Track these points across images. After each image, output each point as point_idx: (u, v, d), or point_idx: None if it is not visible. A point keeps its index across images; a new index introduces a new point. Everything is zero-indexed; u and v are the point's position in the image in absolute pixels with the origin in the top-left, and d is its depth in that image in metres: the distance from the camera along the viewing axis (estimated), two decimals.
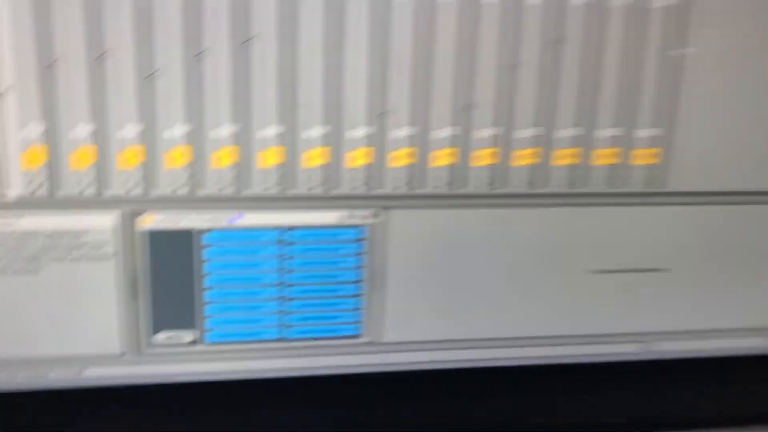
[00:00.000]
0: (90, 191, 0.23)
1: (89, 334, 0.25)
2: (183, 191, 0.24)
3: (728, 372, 0.28)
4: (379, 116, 0.24)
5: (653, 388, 0.28)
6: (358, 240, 0.25)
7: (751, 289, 0.28)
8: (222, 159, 0.24)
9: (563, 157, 0.26)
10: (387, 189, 0.25)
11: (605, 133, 0.26)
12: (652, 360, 0.28)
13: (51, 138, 0.23)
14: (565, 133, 0.25)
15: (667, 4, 0.25)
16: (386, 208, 0.25)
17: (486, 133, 0.25)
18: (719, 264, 0.28)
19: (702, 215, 0.27)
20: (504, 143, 0.25)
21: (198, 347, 0.25)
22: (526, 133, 0.25)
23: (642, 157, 0.26)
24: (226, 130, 0.23)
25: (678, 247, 0.27)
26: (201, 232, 0.24)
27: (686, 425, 0.28)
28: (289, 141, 0.24)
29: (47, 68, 0.22)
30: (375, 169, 0.25)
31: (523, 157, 0.25)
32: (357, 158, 0.24)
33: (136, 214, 0.24)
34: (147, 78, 0.22)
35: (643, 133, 0.26)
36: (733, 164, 0.27)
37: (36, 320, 0.24)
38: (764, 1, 0.25)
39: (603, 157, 0.26)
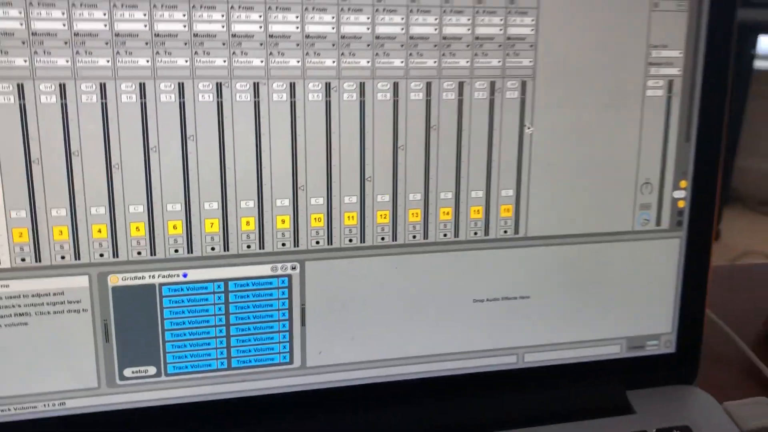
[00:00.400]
0: (67, 258, 0.30)
1: (70, 372, 0.31)
2: (144, 254, 0.30)
3: (581, 374, 0.36)
4: (299, 189, 0.31)
5: (527, 389, 0.36)
6: (283, 287, 0.32)
7: (594, 309, 0.36)
8: (174, 228, 0.30)
9: (444, 213, 0.33)
10: (304, 246, 0.32)
11: (475, 194, 0.33)
12: (525, 368, 0.36)
13: (34, 219, 0.29)
14: (445, 195, 0.33)
15: (513, 96, 0.32)
16: (304, 260, 0.32)
17: (382, 198, 0.32)
18: (567, 290, 0.35)
19: (551, 253, 0.35)
20: (396, 205, 0.32)
21: (161, 378, 0.31)
22: (414, 196, 0.33)
23: (503, 211, 0.34)
24: (176, 206, 0.30)
25: (535, 279, 0.35)
26: (160, 285, 0.31)
27: (552, 419, 0.35)
28: (227, 211, 0.31)
29: (29, 165, 0.28)
30: (294, 231, 0.32)
31: (412, 215, 0.33)
32: (280, 222, 0.31)
33: (106, 274, 0.30)
34: (110, 170, 0.29)
35: (503, 192, 0.34)
36: (572, 213, 0.34)
37: (26, 363, 0.30)
38: (587, 89, 0.33)
39: (474, 212, 0.34)
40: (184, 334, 0.31)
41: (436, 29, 0.31)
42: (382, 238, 0.33)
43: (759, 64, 2.34)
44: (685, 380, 0.37)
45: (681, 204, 0.35)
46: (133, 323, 0.31)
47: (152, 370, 0.31)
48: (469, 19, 0.31)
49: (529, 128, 0.33)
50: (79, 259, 0.30)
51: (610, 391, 0.36)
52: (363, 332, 0.33)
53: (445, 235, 0.33)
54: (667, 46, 0.34)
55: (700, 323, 0.37)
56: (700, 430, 0.34)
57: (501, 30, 0.32)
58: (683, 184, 0.35)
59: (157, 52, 0.28)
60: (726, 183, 2.25)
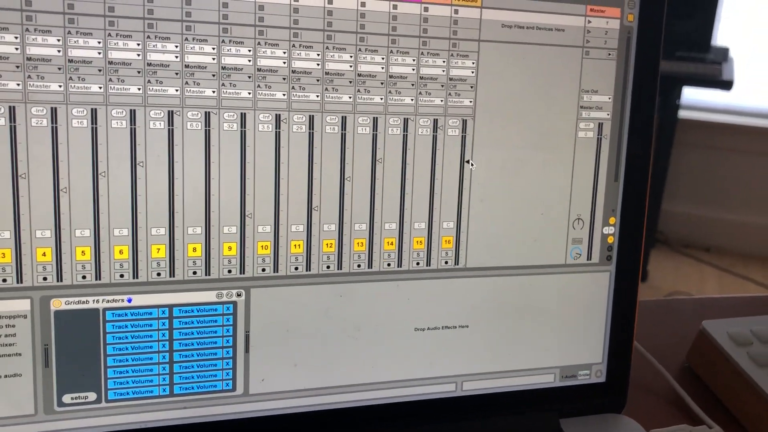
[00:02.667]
0: (9, 281, 0.29)
1: (5, 399, 0.30)
2: (89, 279, 0.30)
3: (517, 402, 0.37)
4: (247, 217, 0.32)
5: (465, 417, 0.37)
6: (228, 314, 0.32)
7: (529, 339, 0.37)
8: (120, 252, 0.30)
9: (388, 244, 0.34)
10: (250, 273, 0.32)
11: (418, 225, 0.35)
12: (463, 396, 0.37)
13: None
14: (389, 225, 0.34)
15: (454, 134, 0.34)
16: (250, 287, 0.32)
17: (328, 227, 0.33)
18: (504, 321, 0.37)
19: (489, 284, 0.36)
20: (342, 235, 0.33)
21: (101, 404, 0.31)
22: (360, 226, 0.34)
23: (444, 242, 0.35)
24: (123, 231, 0.30)
25: (473, 309, 0.36)
26: (104, 310, 0.30)
27: None
28: (174, 237, 0.31)
29: None
30: (241, 258, 0.32)
31: (357, 245, 0.34)
32: (227, 249, 0.32)
33: (49, 298, 0.30)
34: (58, 194, 0.29)
35: (445, 224, 0.35)
36: (509, 246, 0.36)
37: None
38: (523, 129, 0.35)
39: (417, 243, 0.35)
40: (127, 360, 0.31)
41: (382, 68, 0.33)
42: (328, 267, 0.33)
43: (683, 113, 2.46)
44: (614, 409, 0.39)
45: (610, 239, 0.38)
46: (75, 348, 0.30)
47: (92, 396, 0.31)
48: (414, 60, 0.33)
49: (471, 165, 0.34)
50: (22, 282, 0.29)
51: (544, 419, 0.38)
52: (306, 359, 0.34)
53: (388, 264, 0.34)
54: (598, 92, 0.36)
55: (628, 354, 0.39)
56: None
57: (444, 71, 0.34)
58: (612, 220, 0.37)
59: (110, 79, 0.29)
60: (652, 226, 2.35)
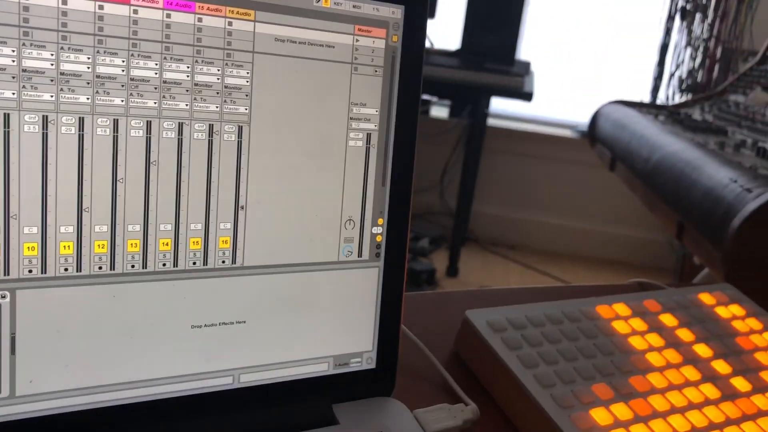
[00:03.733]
0: None
1: None
2: None
3: (293, 391, 0.40)
4: (11, 218, 0.31)
5: (243, 408, 0.39)
6: None
7: (305, 332, 0.40)
8: None
9: (163, 244, 0.35)
10: (15, 274, 0.32)
11: (195, 226, 0.36)
12: (240, 387, 0.39)
13: None
14: (164, 227, 0.35)
15: (231, 139, 0.36)
16: (15, 289, 0.32)
17: (99, 228, 0.34)
18: (280, 315, 0.39)
19: (265, 281, 0.38)
20: (114, 236, 0.34)
21: None
22: (134, 227, 0.34)
23: (221, 243, 0.37)
24: None
25: (250, 305, 0.38)
26: None
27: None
28: None
29: None
30: (5, 259, 0.32)
31: (131, 245, 0.35)
32: None
33: None
34: None
35: (222, 225, 0.37)
36: (285, 245, 0.39)
37: None
38: (297, 137, 0.38)
39: (193, 243, 0.36)
40: None
41: (156, 73, 0.34)
42: (100, 267, 0.34)
43: (491, 122, 2.65)
44: (384, 392, 0.43)
45: (379, 238, 0.41)
46: None
47: None
48: (188, 67, 0.34)
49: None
50: None
51: (318, 406, 0.40)
52: (78, 360, 0.34)
53: (164, 264, 0.35)
54: (366, 105, 0.39)
55: (396, 342, 0.43)
56: None
57: (218, 79, 0.35)
58: (380, 221, 0.41)
59: None
60: (463, 226, 2.51)
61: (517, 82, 2.17)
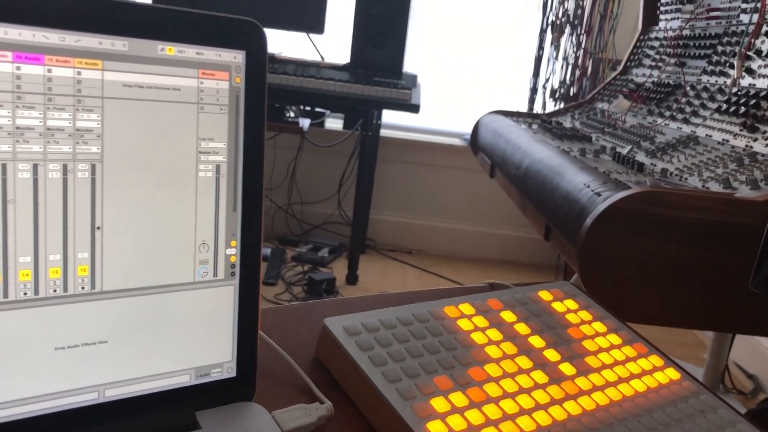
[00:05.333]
0: None
1: None
2: None
3: (156, 402, 0.44)
4: None
5: (108, 421, 0.42)
6: None
7: (166, 347, 0.44)
8: None
9: (23, 275, 0.39)
10: None
11: (54, 257, 0.39)
12: (106, 402, 0.42)
13: None
14: (24, 259, 0.38)
15: (85, 176, 0.40)
16: None
17: None
18: (141, 333, 0.43)
19: (126, 303, 0.42)
20: None
21: None
22: None
23: (80, 270, 0.40)
24: None
25: (112, 326, 0.42)
26: None
27: None
28: None
29: None
30: None
31: None
32: None
33: None
34: None
35: (80, 254, 0.40)
36: (143, 270, 0.42)
37: None
38: (149, 171, 0.42)
39: (52, 273, 0.39)
40: None
41: (9, 120, 0.37)
42: None
43: (384, 132, 2.73)
44: (245, 398, 0.47)
45: (233, 259, 0.46)
46: None
47: None
48: (40, 114, 0.38)
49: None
50: None
51: (182, 414, 0.44)
52: None
53: (25, 294, 0.39)
54: (214, 139, 0.44)
55: (254, 351, 0.47)
56: None
57: (70, 123, 0.39)
58: (233, 243, 0.46)
59: None
60: (362, 234, 2.57)
61: (404, 95, 2.26)
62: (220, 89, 0.44)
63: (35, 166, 0.38)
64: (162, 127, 0.42)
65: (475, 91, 2.80)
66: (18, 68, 0.37)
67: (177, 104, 0.42)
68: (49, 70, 0.38)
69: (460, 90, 2.83)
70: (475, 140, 1.86)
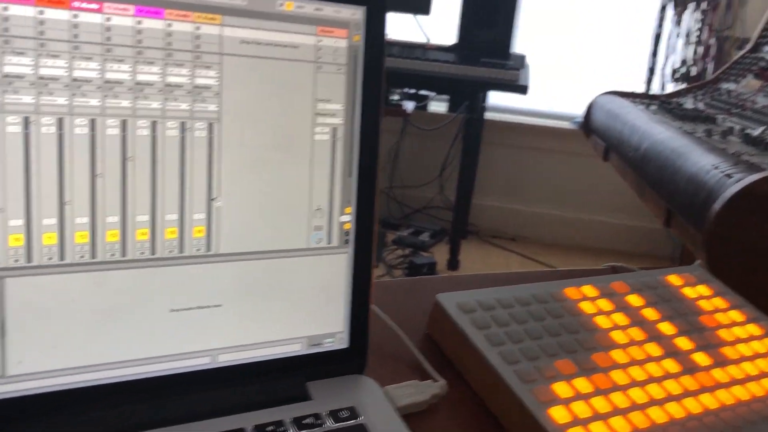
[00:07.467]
0: None
1: None
2: None
3: (268, 369, 0.43)
4: None
5: (220, 386, 0.42)
6: None
7: (279, 314, 0.43)
8: None
9: (141, 234, 0.38)
10: (3, 264, 0.35)
11: (170, 217, 0.39)
12: (218, 367, 0.41)
13: None
14: (141, 218, 0.38)
15: (202, 135, 0.39)
16: (4, 277, 0.35)
17: (80, 220, 0.36)
18: (255, 299, 0.42)
19: (240, 267, 0.41)
20: (95, 227, 0.37)
21: None
22: (112, 219, 0.37)
23: (196, 232, 0.40)
24: None
25: (226, 290, 0.41)
26: None
27: (242, 410, 0.41)
28: None
29: None
30: None
31: (111, 236, 0.37)
32: None
33: None
34: None
35: (196, 216, 0.39)
36: (257, 234, 0.41)
37: None
38: (265, 132, 0.40)
39: (169, 233, 0.39)
40: None
41: (130, 76, 0.36)
42: (82, 256, 0.37)
43: (489, 115, 2.67)
44: (356, 370, 0.46)
45: (347, 226, 0.44)
46: None
47: None
48: (160, 69, 0.37)
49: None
50: None
51: (292, 383, 0.43)
52: (64, 342, 0.37)
53: (142, 253, 0.38)
54: (331, 100, 0.42)
55: (366, 322, 0.45)
56: (364, 409, 0.42)
57: (189, 80, 0.38)
58: (348, 210, 0.44)
59: None
60: (464, 219, 2.53)
61: (512, 76, 2.19)
62: (338, 48, 0.42)
63: (154, 124, 0.37)
64: (279, 86, 0.40)
65: (587, 71, 2.69)
66: (139, 23, 0.36)
67: (294, 62, 0.41)
68: (169, 25, 0.37)
69: (570, 71, 2.72)
70: (588, 122, 1.77)
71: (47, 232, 0.36)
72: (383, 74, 0.43)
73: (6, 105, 0.34)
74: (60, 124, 0.35)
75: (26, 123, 0.34)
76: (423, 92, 2.55)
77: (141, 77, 0.37)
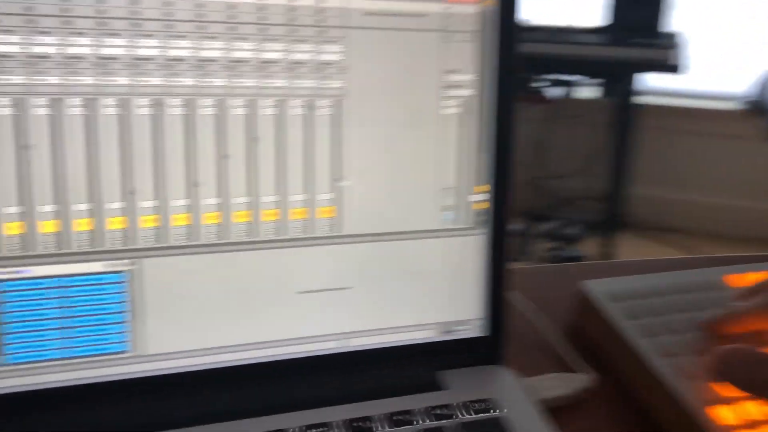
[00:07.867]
0: None
1: None
2: None
3: (399, 356, 0.41)
4: (129, 194, 0.35)
5: (350, 371, 0.40)
6: (121, 282, 0.36)
7: (410, 298, 0.41)
8: (11, 229, 0.33)
9: (268, 215, 0.38)
10: (141, 244, 0.36)
11: (295, 197, 0.38)
12: (348, 351, 0.40)
13: None
14: (268, 198, 0.37)
15: (327, 113, 0.38)
16: (142, 258, 0.36)
17: (210, 201, 0.36)
18: (385, 282, 0.40)
19: (369, 249, 0.39)
20: (224, 208, 0.37)
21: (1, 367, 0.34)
22: (240, 200, 0.37)
23: (323, 213, 0.39)
24: (12, 210, 0.33)
25: (355, 272, 0.39)
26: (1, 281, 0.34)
27: (372, 396, 0.39)
28: (62, 214, 0.34)
29: None
30: (130, 231, 0.35)
31: (239, 217, 0.37)
32: (117, 223, 0.35)
33: None
34: None
35: (323, 196, 0.38)
36: (386, 214, 0.39)
37: None
38: (391, 108, 0.38)
39: (297, 214, 0.38)
40: (24, 326, 0.34)
41: (254, 54, 0.36)
42: (212, 237, 0.37)
43: (644, 99, 2.51)
44: (492, 361, 0.43)
45: (478, 206, 0.41)
46: None
47: None
48: (284, 46, 0.36)
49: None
50: None
51: (424, 372, 0.41)
52: (197, 322, 0.37)
53: (268, 234, 0.38)
54: (460, 71, 0.39)
55: (503, 309, 0.42)
56: (502, 402, 0.39)
57: (313, 56, 0.37)
58: (479, 189, 0.41)
59: None
60: (616, 210, 2.40)
61: (660, 55, 2.04)
62: (469, 13, 0.39)
63: (278, 102, 0.37)
64: (405, 58, 0.38)
65: (754, 47, 2.45)
66: None
67: (420, 33, 0.39)
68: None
69: (734, 47, 2.49)
70: (760, 99, 1.61)
71: (179, 214, 0.36)
72: (517, 41, 0.40)
73: (139, 88, 0.34)
74: (189, 105, 0.35)
75: (157, 106, 0.35)
76: (566, 78, 2.43)
77: (266, 55, 0.36)
